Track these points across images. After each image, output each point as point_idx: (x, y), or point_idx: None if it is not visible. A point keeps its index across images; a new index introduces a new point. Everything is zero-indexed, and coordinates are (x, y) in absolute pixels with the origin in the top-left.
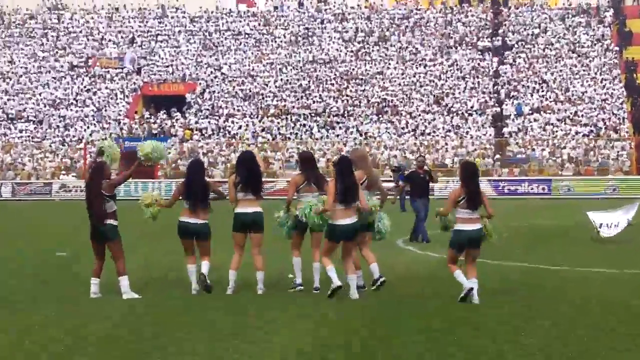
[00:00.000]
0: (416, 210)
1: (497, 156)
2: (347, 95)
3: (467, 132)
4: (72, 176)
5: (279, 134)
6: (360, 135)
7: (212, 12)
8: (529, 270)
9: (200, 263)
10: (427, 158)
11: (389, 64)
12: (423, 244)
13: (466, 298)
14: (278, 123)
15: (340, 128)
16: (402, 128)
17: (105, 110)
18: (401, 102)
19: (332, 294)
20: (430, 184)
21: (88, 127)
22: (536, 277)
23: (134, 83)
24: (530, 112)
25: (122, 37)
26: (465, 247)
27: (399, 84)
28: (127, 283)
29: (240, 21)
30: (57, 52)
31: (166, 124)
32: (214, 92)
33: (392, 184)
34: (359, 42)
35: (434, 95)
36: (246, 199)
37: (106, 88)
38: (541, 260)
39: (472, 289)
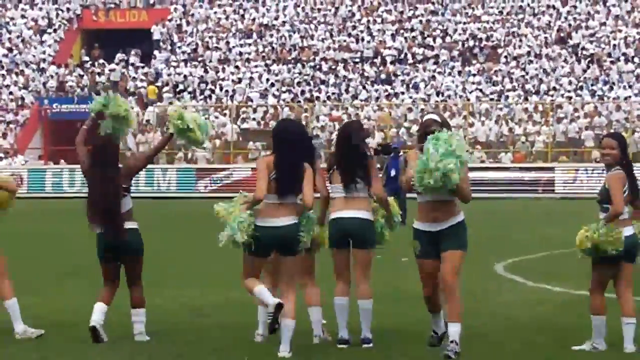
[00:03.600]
0: None
1: None
2: (412, 30)
3: (610, 88)
4: None
5: (302, 92)
6: (438, 94)
7: None
8: None
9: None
10: (543, 132)
11: None
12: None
13: None
14: (301, 74)
15: (402, 83)
16: (499, 82)
17: (21, 54)
18: (501, 41)
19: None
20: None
21: None
22: None
23: (68, 9)
24: None
25: None
26: (622, 261)
27: (499, 11)
28: (144, 319)
29: None
30: None
31: (119, 76)
32: (197, 23)
33: None
34: None
35: (557, 30)
36: (277, 203)
37: (23, 17)
38: None
39: None
